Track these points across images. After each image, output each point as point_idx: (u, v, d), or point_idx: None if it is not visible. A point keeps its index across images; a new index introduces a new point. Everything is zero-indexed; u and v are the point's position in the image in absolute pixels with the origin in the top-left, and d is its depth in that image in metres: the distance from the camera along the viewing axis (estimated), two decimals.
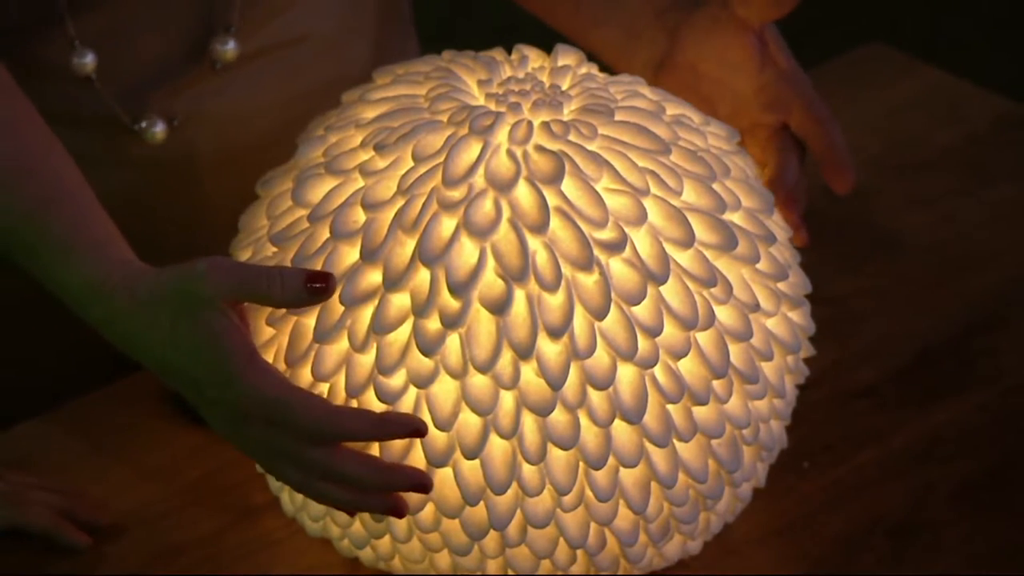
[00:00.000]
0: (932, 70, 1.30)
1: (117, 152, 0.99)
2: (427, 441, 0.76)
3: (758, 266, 0.81)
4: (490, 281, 0.76)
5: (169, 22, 0.97)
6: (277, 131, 0.98)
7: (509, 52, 0.86)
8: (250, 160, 0.94)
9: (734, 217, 0.81)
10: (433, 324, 0.75)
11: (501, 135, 0.79)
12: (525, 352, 0.75)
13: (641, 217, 0.77)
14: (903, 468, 0.94)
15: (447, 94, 0.82)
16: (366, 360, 0.77)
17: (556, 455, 0.77)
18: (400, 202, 0.78)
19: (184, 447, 0.95)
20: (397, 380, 0.76)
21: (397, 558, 0.83)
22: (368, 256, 0.77)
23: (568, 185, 0.77)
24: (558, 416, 0.76)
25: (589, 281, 0.76)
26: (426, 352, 0.75)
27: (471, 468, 0.77)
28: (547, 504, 0.78)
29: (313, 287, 0.74)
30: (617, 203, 0.78)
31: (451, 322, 0.75)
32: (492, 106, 0.81)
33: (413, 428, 0.75)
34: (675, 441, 0.78)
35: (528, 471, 0.77)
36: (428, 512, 0.79)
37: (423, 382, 0.76)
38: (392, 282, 0.76)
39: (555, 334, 0.75)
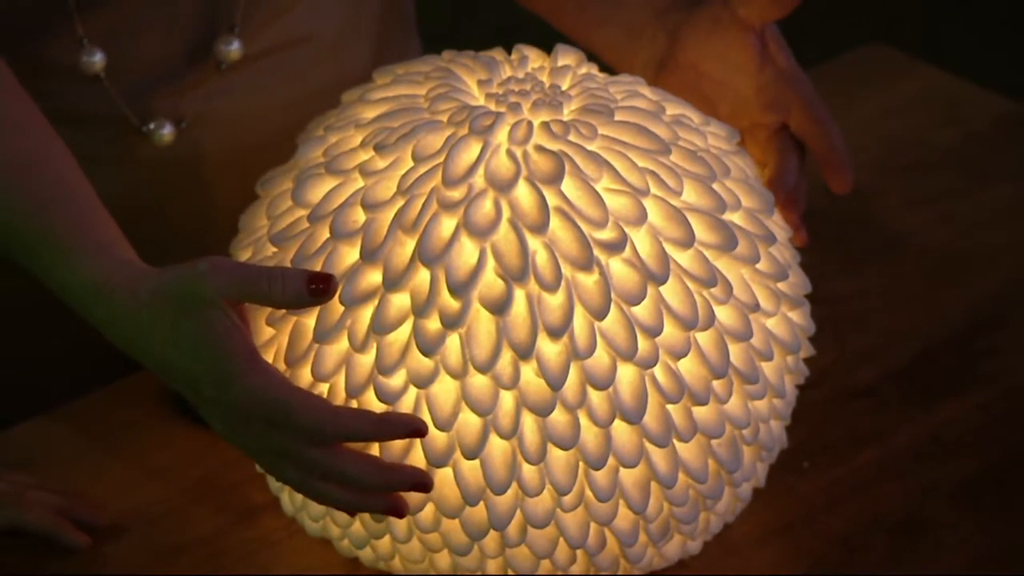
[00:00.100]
0: (932, 70, 1.30)
1: (124, 153, 0.99)
2: (427, 441, 0.76)
3: (758, 266, 0.81)
4: (490, 281, 0.76)
5: (175, 21, 0.97)
6: (282, 132, 0.98)
7: (510, 52, 0.86)
8: (256, 161, 0.94)
9: (734, 217, 0.81)
10: (433, 324, 0.75)
11: (501, 135, 0.79)
12: (525, 352, 0.75)
13: (641, 217, 0.77)
14: (903, 468, 0.94)
15: (447, 94, 0.82)
16: (366, 360, 0.77)
17: (556, 455, 0.77)
18: (400, 202, 0.78)
19: (184, 447, 0.95)
20: (397, 380, 0.76)
21: (397, 558, 0.83)
22: (368, 256, 0.77)
23: (568, 185, 0.77)
24: (558, 416, 0.76)
25: (589, 281, 0.76)
26: (426, 352, 0.75)
27: (471, 468, 0.77)
28: (547, 504, 0.78)
29: (314, 288, 0.74)
30: (617, 203, 0.78)
31: (451, 322, 0.75)
32: (492, 106, 0.81)
33: (413, 428, 0.75)
34: (675, 441, 0.78)
35: (528, 471, 0.77)
36: (428, 512, 0.79)
37: (423, 382, 0.76)
38: (392, 282, 0.76)
39: (555, 334, 0.75)
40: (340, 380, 0.77)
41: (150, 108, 0.98)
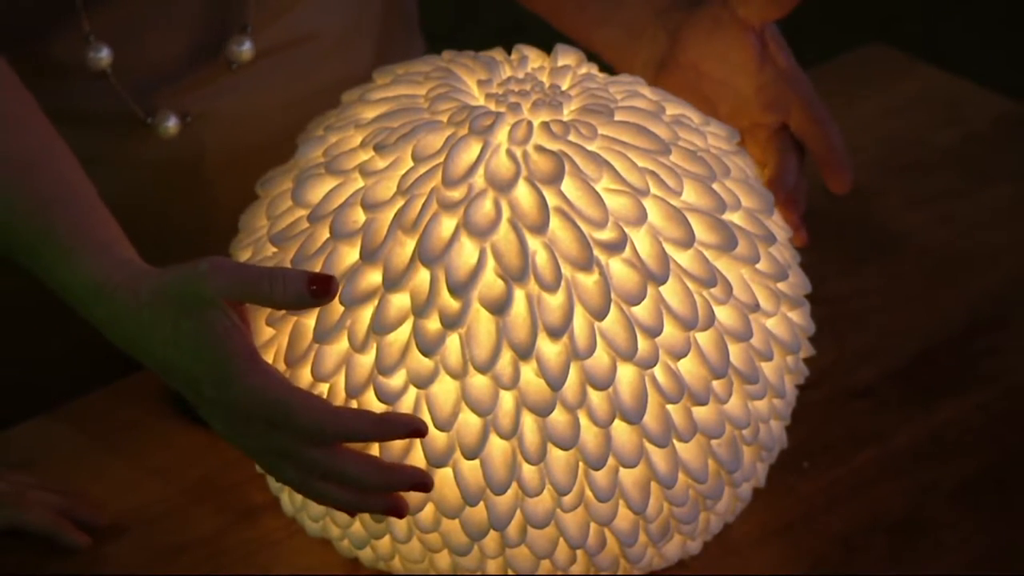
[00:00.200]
0: (932, 70, 1.30)
1: (128, 151, 0.99)
2: (427, 441, 0.76)
3: (758, 266, 0.81)
4: (490, 281, 0.76)
5: (182, 18, 0.97)
6: (283, 131, 0.98)
7: (510, 52, 0.86)
8: (257, 160, 0.94)
9: (734, 217, 0.81)
10: (433, 324, 0.75)
11: (501, 135, 0.79)
12: (525, 352, 0.75)
13: (641, 217, 0.77)
14: (903, 468, 0.94)
15: (447, 94, 0.82)
16: (366, 360, 0.77)
17: (556, 455, 0.77)
18: (400, 202, 0.78)
19: (184, 447, 0.94)
20: (397, 380, 0.76)
21: (397, 558, 0.83)
22: (368, 256, 0.77)
23: (568, 185, 0.77)
24: (558, 416, 0.76)
25: (589, 281, 0.76)
26: (426, 352, 0.75)
27: (471, 468, 0.77)
28: (547, 504, 0.78)
29: (314, 289, 0.74)
30: (617, 203, 0.78)
31: (451, 322, 0.75)
32: (492, 106, 0.81)
33: (413, 428, 0.75)
34: (675, 441, 0.78)
35: (528, 471, 0.77)
36: (428, 512, 0.79)
37: (423, 382, 0.76)
38: (392, 282, 0.76)
39: (555, 334, 0.75)
40: (340, 380, 0.77)
41: (156, 105, 0.98)
